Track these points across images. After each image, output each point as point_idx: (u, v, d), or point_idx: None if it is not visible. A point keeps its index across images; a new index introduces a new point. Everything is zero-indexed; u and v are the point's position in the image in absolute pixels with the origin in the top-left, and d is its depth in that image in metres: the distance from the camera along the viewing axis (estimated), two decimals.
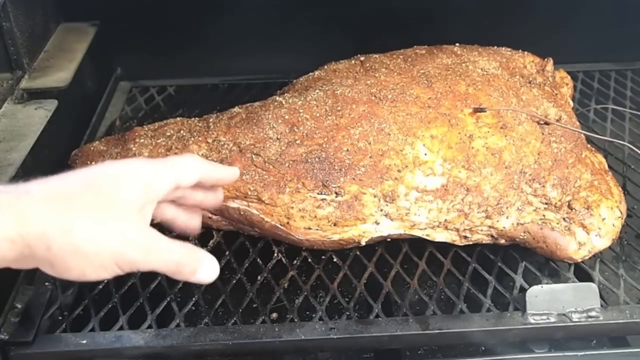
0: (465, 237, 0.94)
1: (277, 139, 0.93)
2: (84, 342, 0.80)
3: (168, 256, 0.62)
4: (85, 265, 0.58)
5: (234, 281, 0.92)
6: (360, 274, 0.92)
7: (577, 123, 1.04)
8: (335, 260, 0.95)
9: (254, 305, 0.88)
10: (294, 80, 1.11)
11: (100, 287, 0.90)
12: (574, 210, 0.92)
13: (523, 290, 0.84)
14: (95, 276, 0.59)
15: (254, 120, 0.95)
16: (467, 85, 0.99)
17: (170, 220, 0.75)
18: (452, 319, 0.84)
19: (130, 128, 1.10)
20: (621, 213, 0.94)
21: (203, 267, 0.65)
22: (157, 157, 0.96)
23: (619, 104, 1.29)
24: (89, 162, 0.98)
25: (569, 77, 1.20)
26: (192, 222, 0.77)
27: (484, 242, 0.95)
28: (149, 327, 0.83)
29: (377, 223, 0.92)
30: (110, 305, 0.87)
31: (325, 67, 1.11)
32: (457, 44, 1.13)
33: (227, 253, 0.96)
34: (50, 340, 0.81)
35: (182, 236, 0.98)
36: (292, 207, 0.90)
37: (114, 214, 0.58)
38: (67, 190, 0.58)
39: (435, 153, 0.92)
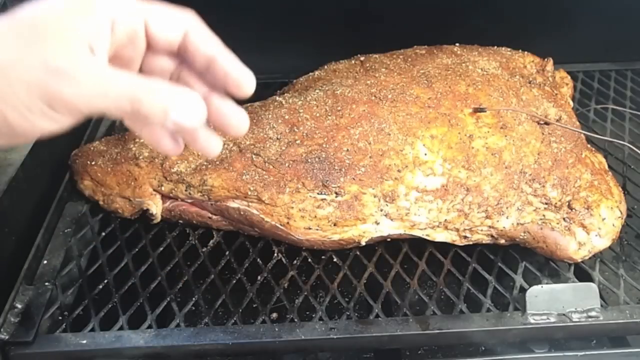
0: (465, 237, 0.94)
1: (277, 139, 0.93)
2: (84, 342, 0.80)
3: (117, 88, 0.46)
4: (9, 108, 0.45)
5: (234, 281, 0.91)
6: (360, 274, 0.92)
7: (577, 123, 1.04)
8: (335, 260, 0.95)
9: (254, 305, 0.88)
10: (294, 80, 1.11)
11: (101, 287, 0.90)
12: (574, 210, 0.92)
13: (523, 290, 0.84)
14: (27, 125, 0.46)
15: (254, 120, 0.95)
16: (467, 85, 0.99)
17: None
18: (452, 319, 0.84)
19: None
20: (621, 213, 0.94)
21: (178, 103, 0.47)
22: (157, 157, 0.96)
23: (619, 104, 1.29)
24: (89, 162, 0.99)
25: (569, 77, 1.20)
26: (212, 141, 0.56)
27: (484, 242, 0.95)
28: (149, 327, 0.83)
29: (377, 223, 0.92)
30: (110, 305, 0.87)
31: (325, 67, 1.11)
32: (457, 44, 1.13)
33: (227, 253, 0.96)
34: (50, 340, 0.81)
35: (184, 233, 0.99)
36: (292, 207, 0.90)
37: (36, 43, 0.45)
38: (9, 21, 0.47)
39: (435, 153, 0.92)
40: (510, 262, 0.94)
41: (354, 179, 0.90)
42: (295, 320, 0.85)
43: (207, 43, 0.52)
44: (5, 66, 0.45)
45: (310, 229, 0.91)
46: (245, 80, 0.54)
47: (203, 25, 0.53)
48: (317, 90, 1.00)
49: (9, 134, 0.47)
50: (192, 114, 0.48)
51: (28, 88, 0.45)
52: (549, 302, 0.82)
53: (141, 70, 0.52)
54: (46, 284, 0.88)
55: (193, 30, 0.52)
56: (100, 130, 1.26)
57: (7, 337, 0.80)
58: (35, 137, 0.49)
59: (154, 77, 0.51)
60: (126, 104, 0.46)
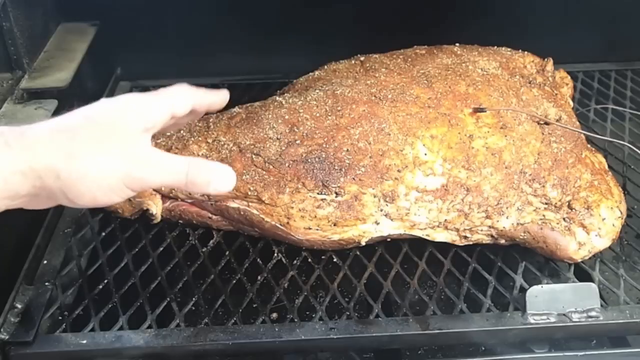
0: (465, 237, 0.94)
1: (277, 139, 0.93)
2: (84, 342, 0.80)
3: (175, 167, 0.63)
4: (95, 189, 0.60)
5: (234, 281, 0.92)
6: (360, 274, 0.92)
7: (577, 123, 1.04)
8: (335, 260, 0.95)
9: (254, 305, 0.88)
10: (294, 80, 1.11)
11: (101, 287, 0.90)
12: (574, 210, 0.92)
13: (523, 290, 0.84)
14: (107, 199, 0.62)
15: (254, 120, 0.95)
16: (467, 85, 0.99)
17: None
18: (452, 319, 0.84)
19: None
20: (621, 213, 0.94)
21: (216, 176, 0.65)
22: None
23: (619, 104, 1.29)
24: None
25: (569, 77, 1.20)
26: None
27: (484, 242, 0.95)
28: (149, 327, 0.83)
29: (377, 223, 0.92)
30: (110, 305, 0.87)
31: (325, 67, 1.11)
32: (457, 44, 1.13)
33: (227, 253, 0.96)
34: (50, 340, 0.81)
35: (184, 233, 0.99)
36: (292, 207, 0.90)
37: (115, 140, 0.61)
38: (68, 123, 0.61)
39: (435, 153, 0.92)
40: (510, 262, 0.94)
41: (354, 179, 0.90)
42: (295, 320, 0.85)
43: (204, 106, 0.73)
44: (98, 159, 0.59)
45: (310, 229, 0.91)
46: (220, 98, 0.75)
47: (201, 93, 0.72)
48: (317, 90, 1.00)
49: (83, 203, 0.61)
50: (226, 185, 0.66)
51: (115, 174, 0.60)
52: (549, 302, 0.82)
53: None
54: (46, 284, 0.89)
55: (197, 103, 0.71)
56: None
57: (7, 337, 0.80)
58: (97, 206, 0.65)
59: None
60: (183, 180, 0.64)
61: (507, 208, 0.91)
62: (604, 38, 1.35)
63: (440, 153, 0.92)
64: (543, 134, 0.96)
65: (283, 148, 0.91)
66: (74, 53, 1.20)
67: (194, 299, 0.88)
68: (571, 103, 1.14)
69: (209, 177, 0.65)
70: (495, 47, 1.14)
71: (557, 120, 0.99)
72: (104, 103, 0.64)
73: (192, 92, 0.70)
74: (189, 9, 1.33)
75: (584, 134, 1.02)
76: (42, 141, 0.59)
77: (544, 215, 0.92)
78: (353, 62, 1.10)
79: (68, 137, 0.59)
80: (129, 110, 0.64)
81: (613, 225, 0.92)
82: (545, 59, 1.13)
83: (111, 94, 1.37)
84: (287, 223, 0.91)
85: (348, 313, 0.87)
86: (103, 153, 0.60)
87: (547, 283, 0.90)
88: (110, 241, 0.98)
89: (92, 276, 0.92)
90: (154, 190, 0.96)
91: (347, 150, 0.91)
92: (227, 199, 0.93)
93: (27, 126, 0.60)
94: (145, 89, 1.39)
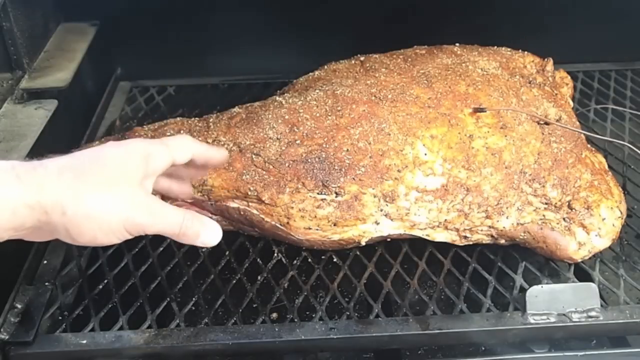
0: (465, 237, 0.94)
1: (277, 139, 0.93)
2: (84, 342, 0.81)
3: (172, 219, 0.68)
4: (97, 229, 0.63)
5: (234, 281, 0.92)
6: (360, 274, 0.92)
7: (577, 123, 1.04)
8: (335, 260, 0.95)
9: (254, 305, 0.88)
10: (294, 80, 1.11)
11: (101, 287, 0.90)
12: (574, 210, 0.92)
13: (523, 290, 0.84)
14: (106, 240, 0.65)
15: (254, 120, 0.95)
16: (467, 85, 0.99)
17: (166, 190, 0.83)
18: (452, 319, 0.84)
19: (130, 128, 1.10)
20: (621, 213, 0.94)
21: (206, 231, 0.71)
22: None
23: (619, 104, 1.29)
24: None
25: (569, 77, 1.20)
26: (184, 189, 0.85)
27: (484, 242, 0.95)
28: (149, 327, 0.83)
29: (377, 223, 0.92)
30: (110, 305, 0.87)
31: (325, 67, 1.11)
32: (457, 44, 1.13)
33: (227, 253, 0.96)
34: (50, 340, 0.81)
35: None
36: (292, 207, 0.90)
37: (119, 183, 0.65)
38: (77, 163, 0.64)
39: (435, 153, 0.92)
40: (510, 262, 0.95)
41: (354, 179, 0.90)
42: (295, 320, 0.85)
43: (203, 158, 0.78)
44: (104, 200, 0.63)
45: (310, 229, 0.91)
46: (221, 155, 0.82)
47: (202, 146, 0.78)
48: (317, 90, 1.00)
49: (83, 242, 0.64)
50: (212, 239, 0.72)
51: (118, 217, 0.64)
52: (549, 302, 0.82)
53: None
54: (46, 284, 0.89)
55: (196, 153, 0.76)
56: (100, 130, 1.26)
57: (7, 337, 0.80)
58: (93, 245, 0.69)
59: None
60: (177, 230, 0.68)
61: (507, 208, 0.91)
62: (604, 38, 1.35)
63: (440, 153, 0.92)
64: (543, 134, 0.96)
65: (283, 148, 0.91)
66: (74, 53, 1.20)
67: (194, 299, 0.88)
68: (571, 103, 1.14)
69: (199, 229, 0.70)
70: (495, 47, 1.14)
71: (557, 120, 0.99)
72: (111, 146, 0.68)
73: (192, 144, 0.75)
74: (189, 9, 1.33)
75: (584, 134, 1.02)
76: (51, 177, 0.62)
77: (544, 215, 0.92)
78: (353, 62, 1.10)
79: (76, 176, 0.63)
80: (134, 156, 0.67)
81: (613, 225, 0.92)
82: (545, 59, 1.13)
83: (111, 94, 1.38)
84: (287, 223, 0.91)
85: (348, 313, 0.87)
86: (109, 195, 0.63)
87: (547, 283, 0.90)
88: None
89: (92, 276, 0.92)
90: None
91: (347, 150, 0.91)
92: (227, 199, 0.93)
93: (38, 162, 0.63)
94: (145, 89, 1.40)
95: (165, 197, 0.87)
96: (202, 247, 0.96)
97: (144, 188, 0.68)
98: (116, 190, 0.64)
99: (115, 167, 0.66)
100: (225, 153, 0.83)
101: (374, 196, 0.90)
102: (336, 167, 0.90)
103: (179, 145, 0.74)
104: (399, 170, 0.90)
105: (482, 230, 0.93)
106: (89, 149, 0.68)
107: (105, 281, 0.90)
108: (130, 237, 0.66)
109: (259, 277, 0.92)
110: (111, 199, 0.63)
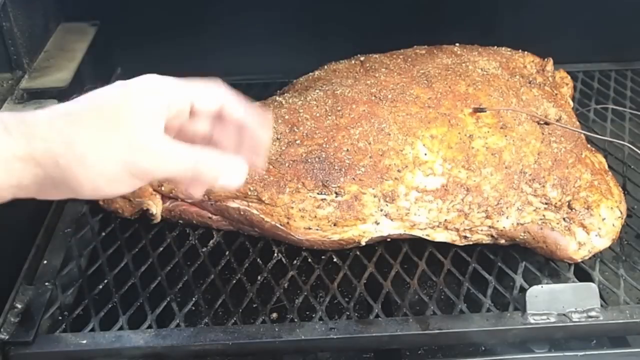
0: (465, 237, 0.94)
1: (277, 139, 0.93)
2: (84, 342, 0.80)
3: (184, 160, 0.58)
4: (97, 177, 0.56)
5: (234, 281, 0.91)
6: (360, 274, 0.92)
7: (577, 123, 1.04)
8: (335, 260, 0.95)
9: (254, 305, 0.88)
10: (294, 80, 1.11)
11: (101, 287, 0.90)
12: (574, 210, 0.92)
13: (523, 290, 0.84)
14: (111, 190, 0.58)
15: None
16: (467, 85, 0.99)
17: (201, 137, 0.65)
18: (452, 319, 0.84)
19: None
20: (621, 213, 0.94)
21: (227, 170, 0.60)
22: None
23: (619, 104, 1.29)
24: None
25: (569, 77, 1.20)
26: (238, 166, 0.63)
27: (484, 242, 0.95)
28: (149, 327, 0.83)
29: (377, 223, 0.92)
30: (110, 305, 0.87)
31: (325, 67, 1.11)
32: (457, 44, 1.13)
33: (227, 253, 0.96)
34: (50, 340, 0.81)
35: (184, 233, 0.99)
36: (292, 207, 0.90)
37: (120, 124, 0.56)
38: (72, 108, 0.58)
39: (435, 153, 0.92)
40: (510, 262, 0.94)
41: (354, 179, 0.90)
42: (295, 320, 0.85)
43: (238, 113, 0.63)
44: (98, 146, 0.55)
45: (310, 229, 0.91)
46: (261, 150, 0.65)
47: (235, 97, 0.63)
48: (317, 90, 1.00)
49: (86, 194, 0.57)
50: (236, 178, 0.61)
51: (118, 163, 0.56)
52: (549, 302, 0.82)
53: (182, 131, 0.62)
54: (46, 284, 0.89)
55: (227, 103, 0.62)
56: None
57: (7, 337, 0.80)
58: (103, 197, 0.62)
59: (193, 136, 0.63)
60: (190, 172, 0.59)
61: (507, 208, 0.91)
62: (604, 38, 1.35)
63: (440, 153, 0.92)
64: (543, 134, 0.96)
65: (283, 148, 0.91)
66: (74, 53, 1.20)
67: (194, 299, 0.88)
68: (571, 103, 1.14)
69: (219, 170, 0.60)
70: (495, 47, 1.15)
71: (557, 120, 0.99)
72: (116, 85, 0.60)
73: (224, 92, 0.63)
74: (189, 9, 1.33)
75: (584, 134, 1.02)
76: (40, 127, 0.55)
77: (544, 215, 0.92)
78: (353, 62, 1.10)
79: (68, 122, 0.56)
80: (145, 90, 0.59)
81: (613, 225, 0.92)
82: (545, 59, 1.14)
83: None
84: (287, 223, 0.91)
85: (348, 313, 0.87)
86: (104, 139, 0.55)
87: (547, 283, 0.90)
88: (110, 241, 0.98)
89: (92, 276, 0.92)
90: (154, 190, 0.96)
91: (347, 150, 0.91)
92: (227, 199, 0.93)
93: (30, 112, 0.57)
94: None
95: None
96: (208, 243, 0.96)
97: (152, 128, 0.58)
98: (113, 133, 0.56)
99: (115, 107, 0.57)
100: (269, 120, 0.68)
101: (374, 196, 0.90)
102: (336, 167, 0.90)
103: (207, 87, 0.62)
104: (399, 170, 0.90)
105: (482, 230, 0.93)
106: (91, 92, 0.60)
107: (105, 281, 0.90)
108: (141, 184, 0.58)
109: (259, 277, 0.92)
110: (107, 142, 0.55)
